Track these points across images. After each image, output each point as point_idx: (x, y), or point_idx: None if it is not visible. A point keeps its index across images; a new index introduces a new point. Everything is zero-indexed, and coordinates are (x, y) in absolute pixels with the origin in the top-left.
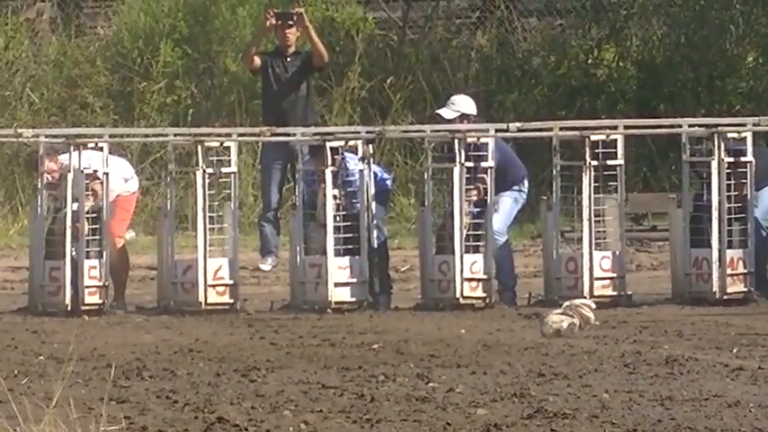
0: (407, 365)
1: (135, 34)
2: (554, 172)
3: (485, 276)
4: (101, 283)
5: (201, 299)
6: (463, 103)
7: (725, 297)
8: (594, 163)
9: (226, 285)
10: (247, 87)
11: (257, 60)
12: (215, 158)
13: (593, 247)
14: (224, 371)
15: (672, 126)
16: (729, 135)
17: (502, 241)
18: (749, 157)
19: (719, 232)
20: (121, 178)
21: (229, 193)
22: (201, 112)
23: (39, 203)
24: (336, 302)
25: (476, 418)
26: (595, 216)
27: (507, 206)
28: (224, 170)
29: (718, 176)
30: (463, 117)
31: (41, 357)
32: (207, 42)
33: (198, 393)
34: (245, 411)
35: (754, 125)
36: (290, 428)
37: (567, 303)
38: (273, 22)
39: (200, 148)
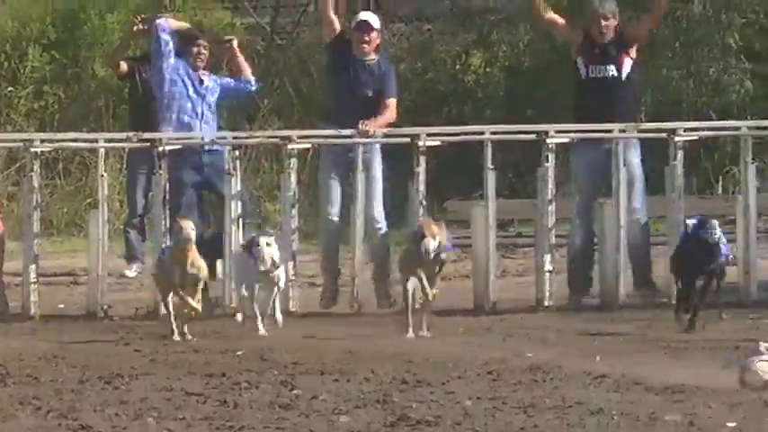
0: (271, 372)
1: (2, 39)
2: (420, 177)
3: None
4: None
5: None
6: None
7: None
8: None
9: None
10: (115, 93)
11: (124, 66)
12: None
13: None
14: (88, 377)
15: (538, 132)
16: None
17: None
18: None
19: None
20: None
21: (96, 198)
22: (68, 118)
23: None
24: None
25: (339, 425)
26: None
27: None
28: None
29: None
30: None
31: None
32: (75, 48)
33: (61, 400)
34: (109, 418)
35: (620, 131)
36: None
37: None
38: (140, 27)
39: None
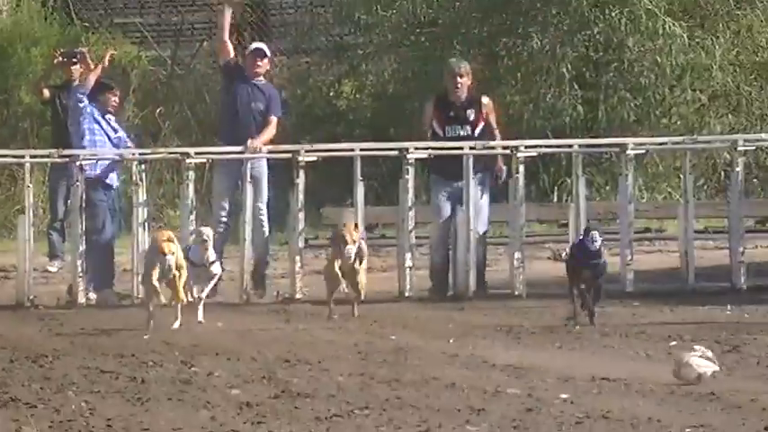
0: (173, 353)
1: None
2: (300, 187)
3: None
4: None
5: None
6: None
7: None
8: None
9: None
10: (39, 116)
11: (46, 93)
12: None
13: None
14: (16, 358)
15: (400, 149)
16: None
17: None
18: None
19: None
20: None
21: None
22: None
23: None
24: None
25: (231, 397)
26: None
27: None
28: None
29: None
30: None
31: None
32: (4, 78)
33: None
34: (35, 392)
35: (471, 148)
36: (73, 406)
37: (702, 348)
38: (60, 60)
39: None
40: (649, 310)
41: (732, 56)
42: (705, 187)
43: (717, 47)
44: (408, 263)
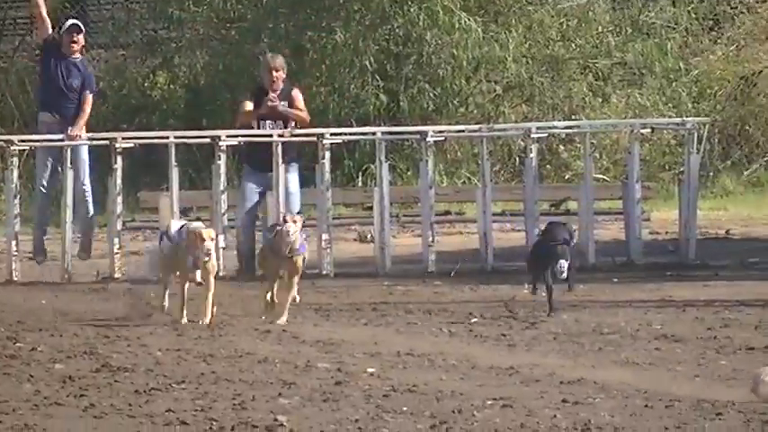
0: None
1: None
2: (118, 173)
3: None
4: None
5: None
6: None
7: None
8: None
9: None
10: None
11: None
12: None
13: None
14: None
15: (213, 137)
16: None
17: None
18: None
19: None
20: None
21: None
22: None
23: None
24: None
25: (54, 371)
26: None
27: None
28: None
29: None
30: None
31: None
32: None
33: None
34: None
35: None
36: None
37: None
38: None
39: None
40: (451, 289)
41: (525, 49)
42: (501, 172)
43: (510, 40)
44: (222, 244)
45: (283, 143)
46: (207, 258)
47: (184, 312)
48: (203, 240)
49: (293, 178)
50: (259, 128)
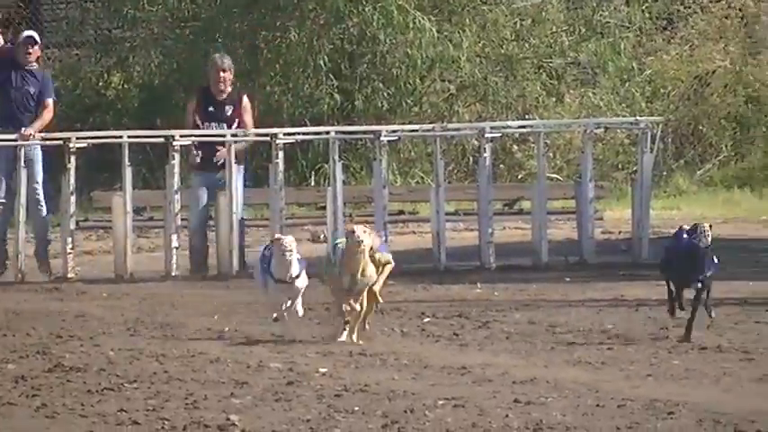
0: None
1: None
2: (71, 172)
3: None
4: None
5: None
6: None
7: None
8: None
9: None
10: None
11: None
12: None
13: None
14: None
15: (166, 136)
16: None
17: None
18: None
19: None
20: None
21: None
22: None
23: None
24: None
25: (6, 371)
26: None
27: None
28: None
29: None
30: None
31: None
32: None
33: None
34: None
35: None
36: None
37: None
38: None
39: None
40: (404, 288)
41: (479, 48)
42: (455, 172)
43: (464, 40)
44: (175, 243)
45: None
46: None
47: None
48: None
49: (238, 180)
50: (203, 128)
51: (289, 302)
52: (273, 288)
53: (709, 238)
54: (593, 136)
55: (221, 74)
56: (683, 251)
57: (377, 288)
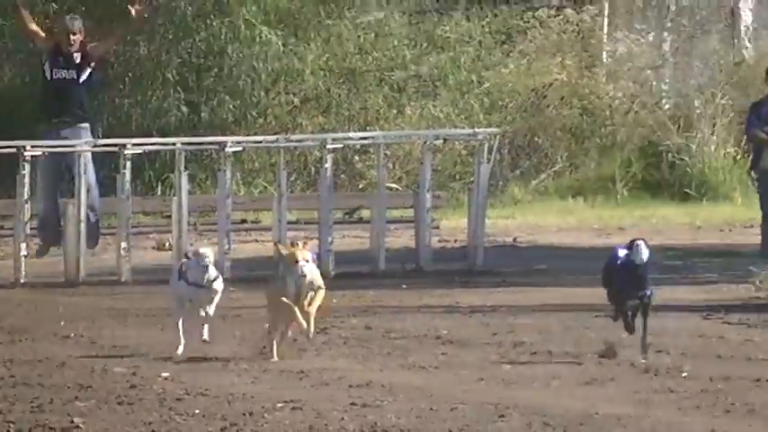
0: None
1: None
2: None
3: None
4: None
5: None
6: None
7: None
8: None
9: None
10: None
11: None
12: None
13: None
14: None
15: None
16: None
17: None
18: None
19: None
20: None
21: None
22: None
23: None
24: None
25: None
26: None
27: None
28: None
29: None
30: None
31: None
32: None
33: None
34: None
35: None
36: None
37: None
38: None
39: None
40: (245, 295)
41: (323, 61)
42: (297, 182)
43: (309, 53)
44: (24, 252)
45: (73, 96)
46: None
47: None
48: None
49: (89, 163)
50: (53, 76)
51: (208, 308)
52: (186, 290)
53: (646, 254)
54: (432, 147)
55: (71, 36)
56: (620, 268)
57: (311, 310)
